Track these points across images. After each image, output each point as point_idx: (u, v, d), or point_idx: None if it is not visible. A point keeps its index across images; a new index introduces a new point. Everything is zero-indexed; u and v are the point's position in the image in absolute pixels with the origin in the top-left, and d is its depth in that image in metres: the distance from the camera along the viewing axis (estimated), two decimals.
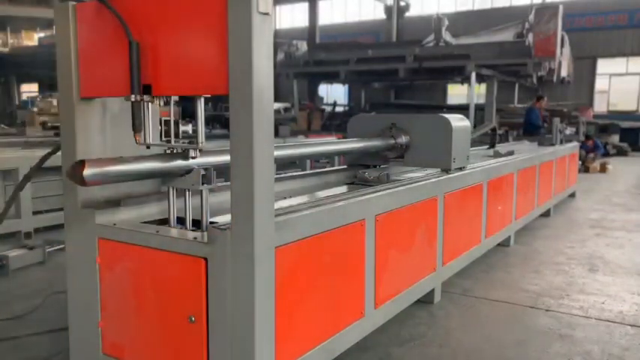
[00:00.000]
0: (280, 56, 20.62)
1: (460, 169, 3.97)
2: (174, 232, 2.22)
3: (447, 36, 18.19)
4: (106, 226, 2.30)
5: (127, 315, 2.28)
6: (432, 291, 3.67)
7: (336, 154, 3.93)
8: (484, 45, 17.18)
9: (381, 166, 4.09)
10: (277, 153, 2.55)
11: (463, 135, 3.92)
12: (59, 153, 2.46)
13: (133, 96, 2.13)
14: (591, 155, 13.90)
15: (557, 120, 8.35)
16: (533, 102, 11.56)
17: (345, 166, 4.17)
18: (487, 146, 6.61)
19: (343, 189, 3.36)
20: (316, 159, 8.38)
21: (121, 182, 2.34)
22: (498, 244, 5.12)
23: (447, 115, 3.83)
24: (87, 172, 1.95)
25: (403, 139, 3.87)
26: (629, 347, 3.08)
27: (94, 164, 2.01)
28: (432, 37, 18.49)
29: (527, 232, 5.96)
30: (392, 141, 3.85)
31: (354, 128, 4.15)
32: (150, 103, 2.21)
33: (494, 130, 6.41)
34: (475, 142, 6.83)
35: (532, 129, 10.58)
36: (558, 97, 22.24)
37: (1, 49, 26.82)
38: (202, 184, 2.18)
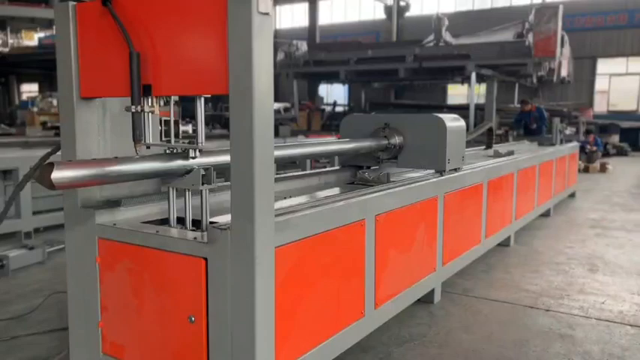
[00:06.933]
0: (280, 56, 20.64)
1: (455, 169, 3.93)
2: (174, 232, 2.22)
3: (447, 36, 18.21)
4: (106, 226, 2.30)
5: (127, 315, 2.28)
6: (432, 291, 3.67)
7: (327, 154, 3.84)
8: (484, 45, 17.20)
9: (373, 168, 3.99)
10: (277, 153, 2.55)
11: (458, 135, 3.86)
12: (59, 153, 2.45)
13: (133, 107, 2.13)
14: (595, 149, 13.92)
15: (557, 120, 8.36)
16: (524, 107, 11.46)
17: (338, 167, 4.08)
18: (483, 147, 6.59)
19: (343, 189, 3.35)
20: (316, 159, 8.39)
21: (120, 183, 2.34)
22: (498, 244, 5.12)
23: (441, 115, 3.75)
24: (55, 175, 1.83)
25: (397, 140, 3.78)
26: (629, 347, 3.08)
27: (65, 167, 1.89)
28: (432, 37, 18.53)
29: (527, 232, 5.96)
30: (385, 142, 3.76)
31: (347, 128, 4.06)
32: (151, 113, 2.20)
33: (490, 130, 6.37)
34: (475, 142, 6.83)
35: (529, 131, 10.56)
36: (558, 97, 22.27)
37: (1, 49, 26.80)
38: (202, 184, 2.18)
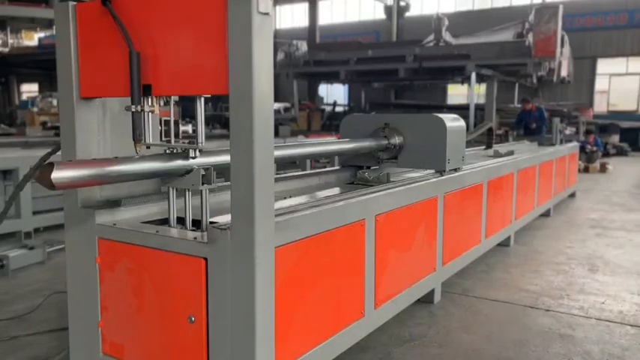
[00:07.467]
0: (280, 56, 20.64)
1: (455, 169, 3.92)
2: (174, 232, 2.22)
3: (447, 36, 18.22)
4: (106, 226, 2.30)
5: (127, 315, 2.28)
6: (432, 291, 3.67)
7: (327, 154, 3.84)
8: (484, 45, 17.20)
9: (373, 168, 3.99)
10: (277, 153, 2.55)
11: (458, 135, 3.86)
12: (59, 153, 2.45)
13: (133, 107, 2.13)
14: (595, 149, 13.92)
15: (557, 120, 8.36)
16: (525, 106, 11.39)
17: (338, 167, 4.08)
18: (484, 147, 6.59)
19: (343, 189, 3.35)
20: (316, 159, 8.39)
21: (120, 183, 2.34)
22: (498, 244, 5.12)
23: (441, 115, 3.75)
24: (55, 175, 1.83)
25: (397, 140, 3.78)
26: (629, 347, 3.08)
27: (65, 167, 1.89)
28: (432, 37, 18.53)
29: (527, 232, 5.96)
30: (384, 142, 3.76)
31: (347, 128, 4.05)
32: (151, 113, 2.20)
33: (490, 130, 6.36)
34: (475, 142, 6.83)
35: (529, 131, 10.54)
36: (558, 97, 22.27)
37: (1, 49, 26.81)
38: (202, 184, 2.18)
